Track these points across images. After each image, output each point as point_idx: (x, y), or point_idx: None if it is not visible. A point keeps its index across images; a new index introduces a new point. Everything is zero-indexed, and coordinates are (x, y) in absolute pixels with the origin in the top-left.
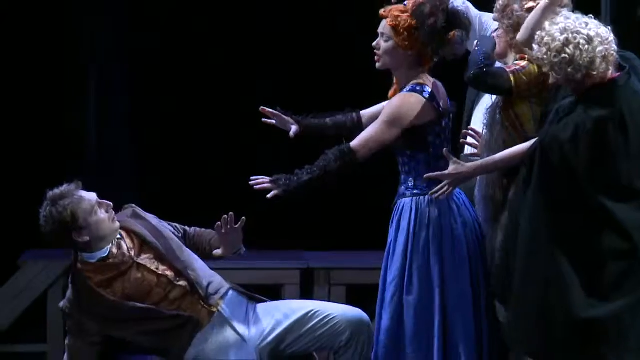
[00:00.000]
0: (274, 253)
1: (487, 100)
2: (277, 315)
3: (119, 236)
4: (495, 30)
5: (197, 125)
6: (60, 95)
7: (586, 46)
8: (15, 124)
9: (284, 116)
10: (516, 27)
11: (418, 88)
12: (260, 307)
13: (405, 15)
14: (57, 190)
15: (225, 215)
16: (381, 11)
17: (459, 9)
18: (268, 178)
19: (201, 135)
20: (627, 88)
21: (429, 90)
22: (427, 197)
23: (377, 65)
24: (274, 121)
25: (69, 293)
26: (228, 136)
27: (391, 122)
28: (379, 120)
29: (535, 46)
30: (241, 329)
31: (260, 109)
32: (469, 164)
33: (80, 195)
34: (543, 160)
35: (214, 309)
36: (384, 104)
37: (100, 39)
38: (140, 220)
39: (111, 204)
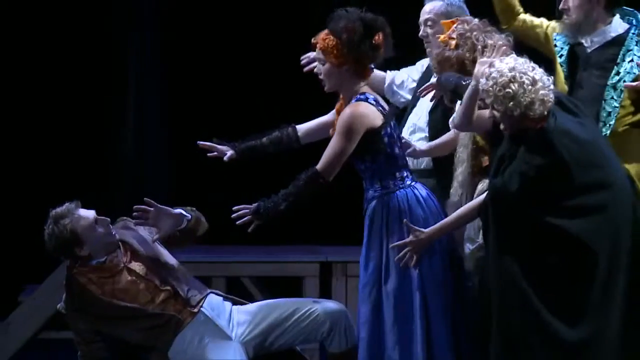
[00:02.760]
0: (296, 247)
1: (424, 105)
2: (261, 312)
3: (117, 237)
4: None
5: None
6: (102, 111)
7: (530, 87)
8: (59, 137)
9: (218, 146)
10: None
11: (362, 97)
12: (243, 307)
13: (330, 37)
14: (58, 210)
15: (135, 212)
16: (313, 40)
17: (372, 16)
18: (248, 208)
19: (236, 131)
20: (558, 130)
21: (372, 96)
22: (396, 193)
23: (325, 89)
24: (214, 153)
25: (64, 295)
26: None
27: (347, 133)
28: (335, 136)
29: (482, 79)
30: (224, 326)
31: (197, 143)
32: (427, 230)
33: (79, 214)
34: (496, 212)
35: (196, 310)
36: (324, 117)
37: (139, 55)
38: (131, 231)
39: (108, 219)
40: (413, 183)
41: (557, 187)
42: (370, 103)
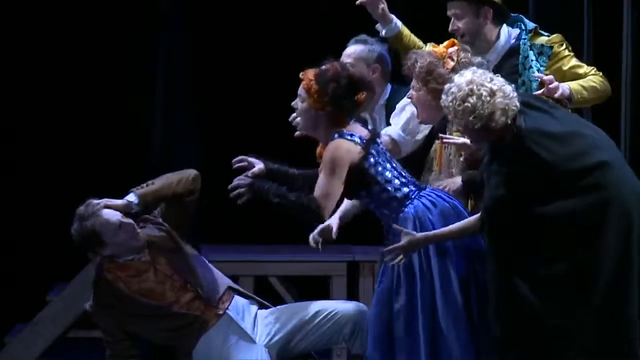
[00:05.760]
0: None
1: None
2: (284, 316)
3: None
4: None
5: (259, 125)
6: (126, 102)
7: (488, 98)
8: (87, 136)
9: (250, 159)
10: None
11: (336, 135)
12: (267, 311)
13: (315, 82)
14: (83, 209)
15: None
16: (300, 74)
17: (361, 75)
18: (248, 180)
19: (264, 134)
20: (531, 132)
21: (345, 131)
22: (404, 211)
23: (298, 128)
24: (244, 164)
25: (92, 292)
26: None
27: (333, 171)
28: (322, 177)
29: (443, 95)
30: (249, 329)
31: (233, 162)
32: (421, 235)
33: (102, 217)
34: (491, 225)
35: (221, 312)
36: None
37: (167, 56)
38: (159, 230)
39: (133, 223)
40: (419, 193)
41: (546, 186)
42: (345, 138)
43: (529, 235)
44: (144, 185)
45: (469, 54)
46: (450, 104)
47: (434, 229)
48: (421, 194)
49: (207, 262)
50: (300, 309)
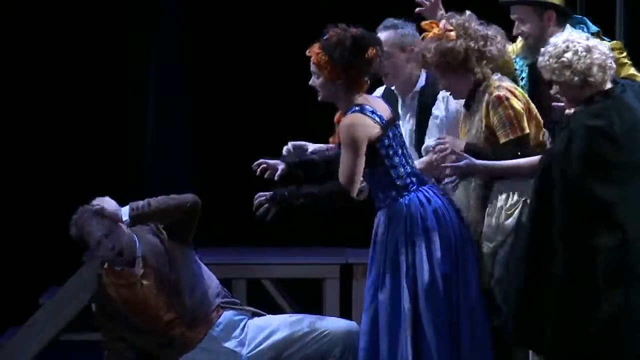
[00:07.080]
0: (317, 249)
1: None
2: (278, 329)
3: (138, 254)
4: None
5: (255, 126)
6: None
7: (584, 53)
8: (80, 139)
9: (270, 161)
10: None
11: (357, 108)
12: (258, 320)
13: (322, 53)
14: (76, 214)
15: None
16: (307, 52)
17: (363, 32)
18: (265, 195)
19: (261, 135)
20: (621, 100)
21: (368, 107)
22: (399, 201)
23: (319, 98)
24: (263, 167)
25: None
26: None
27: (353, 147)
28: (343, 153)
29: (540, 57)
30: (233, 344)
31: (253, 167)
32: (479, 162)
33: (89, 228)
34: (543, 173)
35: (202, 335)
36: None
37: (160, 55)
38: (151, 243)
39: (113, 244)
40: (418, 187)
41: (601, 163)
42: (365, 114)
43: (567, 203)
44: (141, 205)
45: (456, 15)
46: (547, 62)
47: (424, 225)
48: (420, 188)
49: (203, 272)
50: (292, 325)
